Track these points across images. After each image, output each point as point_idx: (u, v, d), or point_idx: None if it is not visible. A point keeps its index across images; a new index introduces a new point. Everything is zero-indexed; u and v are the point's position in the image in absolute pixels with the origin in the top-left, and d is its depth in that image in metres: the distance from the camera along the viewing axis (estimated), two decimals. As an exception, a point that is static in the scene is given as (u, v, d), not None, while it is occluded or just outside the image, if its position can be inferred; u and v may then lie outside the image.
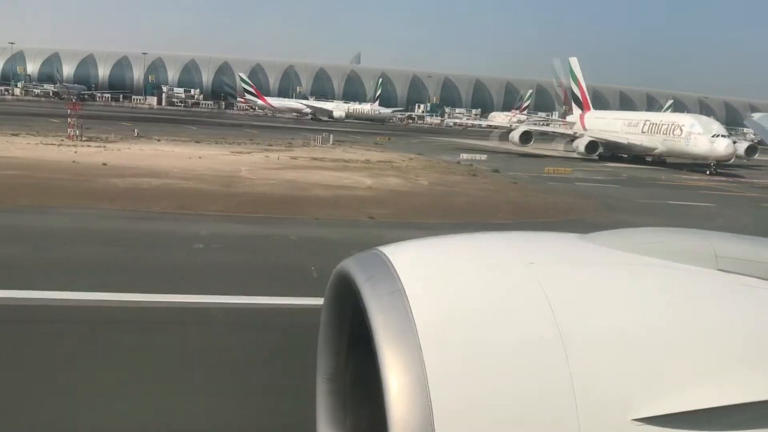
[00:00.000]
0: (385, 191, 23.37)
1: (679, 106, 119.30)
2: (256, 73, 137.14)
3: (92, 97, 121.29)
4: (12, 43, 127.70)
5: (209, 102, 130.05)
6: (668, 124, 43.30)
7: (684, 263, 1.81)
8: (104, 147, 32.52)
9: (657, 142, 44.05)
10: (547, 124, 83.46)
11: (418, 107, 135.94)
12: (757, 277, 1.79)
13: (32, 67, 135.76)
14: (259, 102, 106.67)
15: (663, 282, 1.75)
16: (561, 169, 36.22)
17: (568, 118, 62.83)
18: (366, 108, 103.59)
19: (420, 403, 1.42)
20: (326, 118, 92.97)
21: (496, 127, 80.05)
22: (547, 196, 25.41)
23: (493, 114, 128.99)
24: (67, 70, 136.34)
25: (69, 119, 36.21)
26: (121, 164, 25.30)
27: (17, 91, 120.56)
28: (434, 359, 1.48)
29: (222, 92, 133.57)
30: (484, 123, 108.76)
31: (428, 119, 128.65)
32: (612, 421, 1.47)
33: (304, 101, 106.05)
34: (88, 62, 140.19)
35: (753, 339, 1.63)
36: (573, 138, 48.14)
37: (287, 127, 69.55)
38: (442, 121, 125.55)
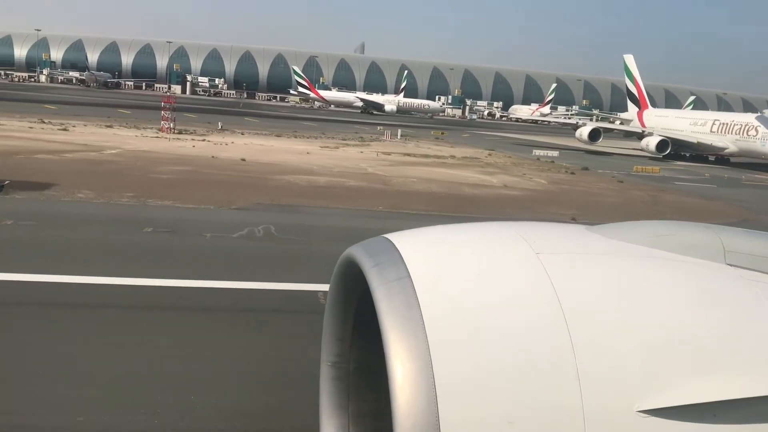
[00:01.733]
0: (527, 190, 23.68)
1: (698, 103, 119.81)
2: (278, 64, 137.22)
3: (117, 86, 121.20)
4: (38, 30, 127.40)
5: (231, 91, 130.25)
6: (741, 125, 43.72)
7: (692, 257, 1.82)
8: (208, 141, 32.82)
9: (728, 142, 44.55)
10: (569, 118, 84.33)
11: (438, 99, 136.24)
12: (766, 272, 1.80)
13: (56, 54, 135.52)
14: (312, 95, 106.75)
15: (670, 275, 1.76)
16: (649, 168, 36.56)
17: (622, 115, 63.33)
18: (416, 102, 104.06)
19: (425, 388, 1.43)
20: (377, 112, 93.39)
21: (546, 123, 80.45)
22: (673, 197, 25.70)
23: (514, 107, 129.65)
24: (91, 57, 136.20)
25: (163, 112, 36.62)
26: (255, 160, 25.53)
27: (42, 78, 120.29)
28: (440, 345, 1.48)
29: (244, 82, 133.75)
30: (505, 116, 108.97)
31: (449, 111, 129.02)
32: (617, 411, 1.47)
33: (359, 95, 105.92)
34: (111, 50, 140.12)
35: (759, 334, 1.63)
36: (642, 135, 48.76)
37: (340, 120, 70.08)
38: (464, 113, 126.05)
